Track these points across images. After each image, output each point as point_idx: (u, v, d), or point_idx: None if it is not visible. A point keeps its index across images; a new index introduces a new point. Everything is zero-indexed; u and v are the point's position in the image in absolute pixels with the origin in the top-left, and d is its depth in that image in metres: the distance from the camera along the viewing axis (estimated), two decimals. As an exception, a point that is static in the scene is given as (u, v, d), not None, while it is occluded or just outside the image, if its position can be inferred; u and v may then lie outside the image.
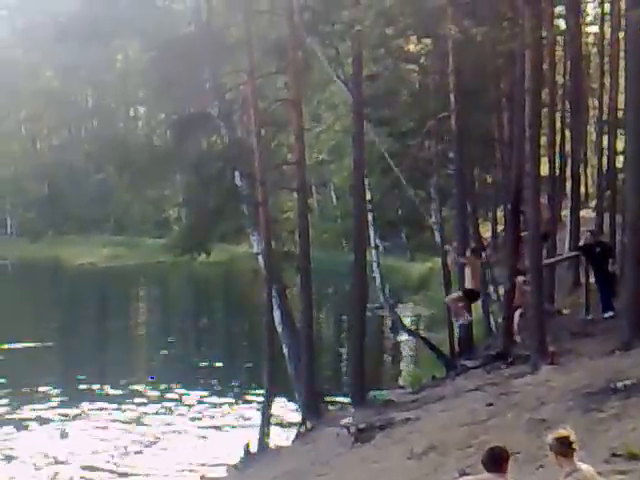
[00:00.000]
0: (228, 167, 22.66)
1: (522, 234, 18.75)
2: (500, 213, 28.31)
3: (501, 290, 23.39)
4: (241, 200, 22.58)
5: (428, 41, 21.81)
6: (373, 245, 27.33)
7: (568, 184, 24.96)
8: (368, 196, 24.65)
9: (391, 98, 27.19)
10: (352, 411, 19.50)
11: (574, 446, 7.62)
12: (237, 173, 22.44)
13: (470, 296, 19.96)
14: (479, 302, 22.98)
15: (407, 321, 32.98)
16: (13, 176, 76.48)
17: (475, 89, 22.58)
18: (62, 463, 20.26)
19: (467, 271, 19.84)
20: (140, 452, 21.13)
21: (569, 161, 26.09)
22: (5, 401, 25.73)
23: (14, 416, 24.30)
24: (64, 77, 77.23)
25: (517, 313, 19.18)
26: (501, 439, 10.84)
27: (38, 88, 76.85)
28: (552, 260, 21.58)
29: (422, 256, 43.79)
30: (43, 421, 23.67)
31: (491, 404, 15.09)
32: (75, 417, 24.24)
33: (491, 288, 24.55)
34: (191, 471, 19.79)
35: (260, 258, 21.56)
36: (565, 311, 21.94)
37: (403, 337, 30.83)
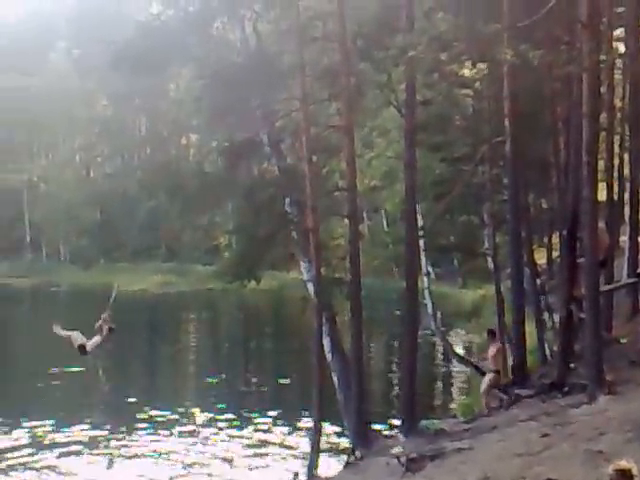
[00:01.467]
0: (279, 194, 22.58)
1: (578, 260, 18.43)
2: (555, 239, 27.87)
3: (556, 317, 23.06)
4: (292, 227, 22.47)
5: (483, 66, 21.54)
6: (425, 271, 27.05)
7: (626, 209, 24.45)
8: (420, 222, 24.42)
9: (444, 123, 26.97)
10: (403, 440, 19.21)
11: None
12: (287, 200, 22.36)
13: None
14: (534, 328, 22.68)
15: (459, 349, 32.62)
16: (67, 204, 77.28)
17: (530, 113, 22.28)
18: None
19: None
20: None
21: (627, 186, 25.61)
22: (55, 426, 25.73)
23: (64, 440, 24.32)
24: (118, 105, 78.24)
25: None
26: (556, 471, 10.58)
27: (92, 116, 77.87)
28: (610, 287, 21.17)
29: (474, 283, 43.37)
30: (92, 446, 23.63)
31: (546, 434, 14.75)
32: (122, 444, 24.16)
33: (546, 315, 24.14)
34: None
35: (310, 285, 21.41)
36: (623, 339, 21.47)
37: (455, 365, 30.47)
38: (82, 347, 18.29)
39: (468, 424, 19.47)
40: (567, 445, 13.70)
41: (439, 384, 31.52)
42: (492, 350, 20.74)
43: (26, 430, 25.33)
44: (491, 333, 21.56)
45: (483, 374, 23.01)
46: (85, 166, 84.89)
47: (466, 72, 24.10)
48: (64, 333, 18.30)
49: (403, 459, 16.39)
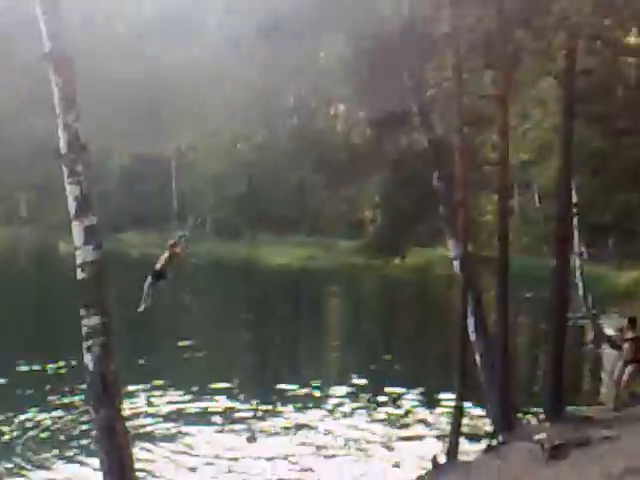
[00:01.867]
0: (427, 167, 21.99)
1: None
2: None
3: None
4: (439, 202, 21.85)
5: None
6: (577, 251, 26.12)
7: None
8: (574, 198, 23.51)
9: (606, 94, 25.78)
10: (547, 426, 18.66)
11: None
12: (436, 173, 21.74)
13: None
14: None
15: (610, 333, 31.44)
16: (214, 174, 78.29)
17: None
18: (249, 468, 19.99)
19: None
20: (325, 457, 20.74)
21: None
22: (192, 397, 25.94)
23: (201, 412, 24.45)
24: (266, 76, 78.68)
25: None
26: None
27: (241, 87, 78.56)
28: None
29: (630, 264, 41.70)
30: (231, 420, 23.57)
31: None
32: (263, 417, 24.08)
33: None
34: (377, 477, 19.31)
35: (456, 262, 20.82)
36: None
37: (606, 350, 29.35)
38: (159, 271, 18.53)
39: (617, 412, 18.89)
40: None
41: (587, 370, 30.47)
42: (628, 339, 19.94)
43: (169, 399, 25.68)
44: (631, 321, 20.62)
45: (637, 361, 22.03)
46: (233, 137, 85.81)
47: (631, 40, 23.02)
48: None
49: (547, 446, 15.98)
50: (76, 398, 24.49)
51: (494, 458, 17.73)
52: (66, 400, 24.86)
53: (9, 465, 19.82)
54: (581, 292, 25.91)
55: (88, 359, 10.95)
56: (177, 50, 76.84)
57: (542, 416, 20.69)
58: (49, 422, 23.16)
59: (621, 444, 15.08)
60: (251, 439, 21.65)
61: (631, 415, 17.83)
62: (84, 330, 10.94)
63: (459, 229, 19.98)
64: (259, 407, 25.03)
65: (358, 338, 38.97)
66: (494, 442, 18.98)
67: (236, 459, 20.41)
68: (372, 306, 50.71)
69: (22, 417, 23.38)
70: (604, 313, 35.39)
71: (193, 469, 19.81)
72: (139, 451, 18.93)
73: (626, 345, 20.22)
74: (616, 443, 15.24)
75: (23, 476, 19.17)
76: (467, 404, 20.54)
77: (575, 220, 24.76)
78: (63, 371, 28.08)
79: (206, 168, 79.05)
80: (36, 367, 29.07)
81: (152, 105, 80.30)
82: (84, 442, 20.82)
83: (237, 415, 24.13)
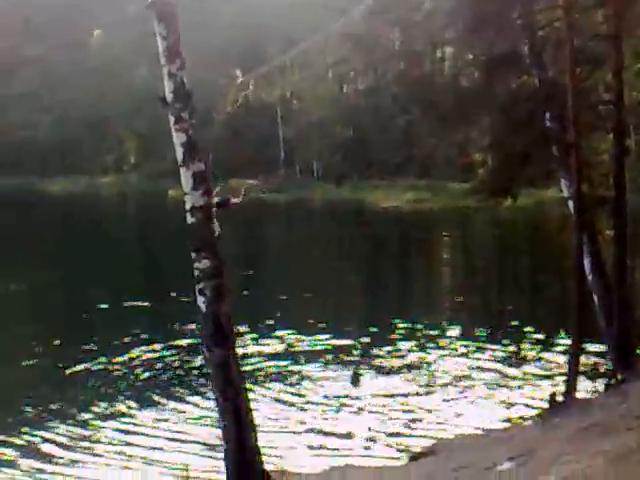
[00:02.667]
0: (538, 108, 21.83)
1: None
2: None
3: None
4: (551, 142, 21.72)
5: None
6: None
7: None
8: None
9: None
10: (668, 365, 18.53)
11: None
12: (548, 114, 21.59)
13: None
14: None
15: None
16: (320, 120, 78.40)
17: None
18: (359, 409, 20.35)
19: None
20: (439, 397, 21.06)
21: None
22: (301, 336, 26.61)
23: (309, 351, 25.09)
24: (371, 19, 78.06)
25: None
26: None
27: (345, 31, 78.14)
28: None
29: None
30: (338, 361, 24.05)
31: None
32: (372, 356, 24.55)
33: None
34: (493, 415, 19.65)
35: (570, 203, 20.73)
36: None
37: None
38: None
39: None
40: None
41: None
42: None
43: (271, 339, 26.35)
44: None
45: None
46: (338, 82, 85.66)
47: None
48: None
49: None
50: (189, 340, 25.21)
51: (615, 396, 17.72)
52: (179, 341, 25.66)
53: (118, 405, 20.49)
54: None
55: (200, 301, 11.18)
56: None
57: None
58: (161, 362, 24.01)
59: None
60: (355, 381, 22.07)
61: None
62: (196, 273, 11.15)
63: (572, 169, 19.86)
64: (368, 346, 25.50)
65: (471, 278, 39.07)
66: (613, 381, 18.96)
67: (344, 397, 20.87)
68: (485, 247, 50.57)
69: (137, 355, 24.41)
70: None
71: (302, 409, 20.26)
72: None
73: None
74: None
75: (132, 416, 19.77)
76: (586, 343, 20.75)
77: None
78: (176, 311, 28.80)
79: (312, 114, 79.18)
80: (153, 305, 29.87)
81: (255, 52, 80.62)
82: (196, 383, 21.59)
83: (344, 355, 24.60)
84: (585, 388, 20.11)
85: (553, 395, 18.98)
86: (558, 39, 20.94)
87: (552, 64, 22.46)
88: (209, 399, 16.43)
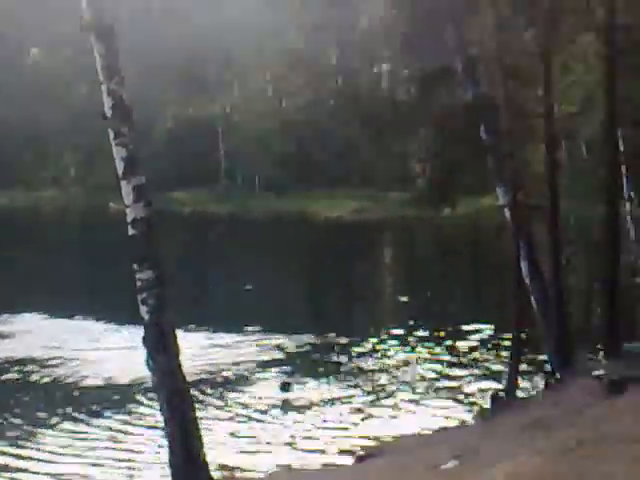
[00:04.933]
0: (473, 121, 22.65)
1: None
2: None
3: None
4: (486, 153, 22.55)
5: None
6: (627, 197, 26.62)
7: None
8: (621, 147, 24.01)
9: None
10: (605, 363, 19.27)
11: None
12: (482, 127, 22.42)
13: None
14: None
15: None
16: (260, 134, 78.76)
17: None
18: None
19: None
20: (380, 399, 21.47)
21: None
22: (244, 341, 27.11)
23: (252, 357, 25.43)
24: (309, 37, 78.83)
25: None
26: None
27: (283, 48, 78.85)
28: None
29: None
30: (280, 366, 24.39)
31: None
32: (312, 361, 25.00)
33: None
34: (436, 415, 20.13)
35: (506, 210, 21.53)
36: None
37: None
38: None
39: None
40: None
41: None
42: None
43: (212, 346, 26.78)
44: None
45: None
46: (277, 97, 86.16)
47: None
48: None
49: (605, 381, 16.49)
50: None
51: (553, 394, 18.40)
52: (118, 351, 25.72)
53: (57, 419, 20.17)
54: (632, 236, 26.47)
55: (143, 311, 11.28)
56: (217, 12, 77.32)
57: (599, 353, 21.21)
58: (97, 373, 23.94)
59: None
60: (299, 385, 22.34)
61: None
62: (138, 284, 11.28)
63: (508, 179, 20.66)
64: (311, 350, 26.08)
65: (412, 284, 39.55)
66: (552, 379, 19.69)
67: (288, 401, 21.23)
68: (426, 254, 51.17)
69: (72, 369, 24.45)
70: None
71: (246, 415, 20.44)
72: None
73: None
74: None
75: (76, 427, 19.53)
76: (526, 344, 21.36)
77: (623, 168, 25.26)
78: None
79: (252, 128, 79.58)
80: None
81: (195, 69, 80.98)
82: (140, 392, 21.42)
83: (287, 359, 25.12)
84: (525, 387, 20.82)
85: (495, 394, 19.71)
86: (490, 56, 21.81)
87: (485, 79, 23.31)
88: (154, 408, 16.38)
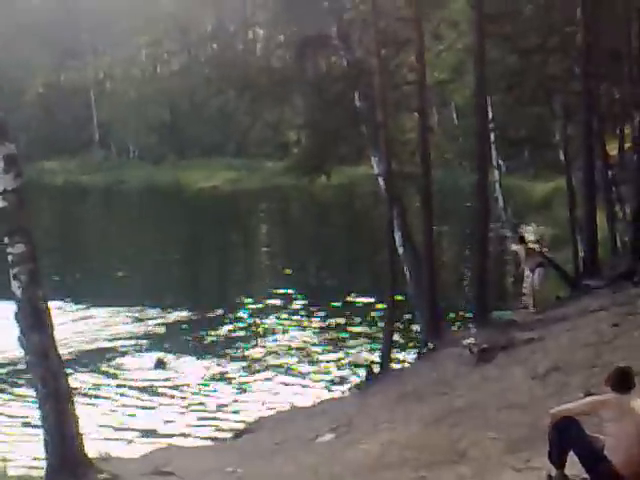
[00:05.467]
0: (348, 88, 22.48)
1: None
2: (628, 130, 27.44)
3: (627, 209, 22.92)
4: (361, 121, 22.43)
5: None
6: (495, 164, 26.93)
7: None
8: (490, 115, 24.20)
9: (514, 13, 26.45)
10: (474, 331, 19.45)
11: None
12: (357, 94, 22.27)
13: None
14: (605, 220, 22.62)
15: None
16: (134, 101, 77.34)
17: (603, 1, 21.85)
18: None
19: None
20: (257, 374, 21.37)
21: None
22: (118, 318, 26.45)
23: (126, 334, 24.89)
24: (183, 1, 77.59)
25: None
26: (627, 359, 10.71)
27: (157, 13, 77.42)
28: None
29: (546, 175, 42.97)
30: (157, 343, 23.90)
31: (617, 324, 14.90)
32: (191, 338, 24.59)
33: (617, 207, 24.00)
34: (313, 389, 20.17)
35: (381, 179, 21.48)
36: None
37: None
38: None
39: (539, 315, 19.67)
40: (638, 334, 13.83)
41: (510, 277, 31.59)
42: (521, 250, 21.19)
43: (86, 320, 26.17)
44: (520, 239, 22.04)
45: (555, 266, 23.03)
46: (151, 63, 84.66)
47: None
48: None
49: (475, 349, 16.64)
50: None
51: (426, 364, 18.47)
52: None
53: None
54: (501, 203, 26.80)
55: (15, 286, 10.89)
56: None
57: (469, 322, 21.51)
58: None
59: (545, 344, 15.58)
60: (159, 364, 21.86)
61: (553, 317, 18.47)
62: (9, 258, 10.85)
63: (381, 147, 20.58)
64: (190, 326, 25.59)
65: (288, 254, 39.53)
66: (425, 349, 19.71)
67: (165, 380, 20.85)
68: (300, 225, 51.19)
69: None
70: (523, 222, 36.61)
71: (123, 394, 20.08)
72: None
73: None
74: (540, 344, 15.75)
75: None
76: (399, 315, 21.40)
77: (492, 135, 25.48)
78: None
79: (125, 95, 78.02)
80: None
81: (67, 33, 78.75)
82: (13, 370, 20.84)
83: (163, 336, 24.63)
84: (400, 358, 20.86)
85: (370, 366, 19.67)
86: (364, 22, 21.63)
87: (359, 46, 23.16)
88: (29, 388, 15.95)
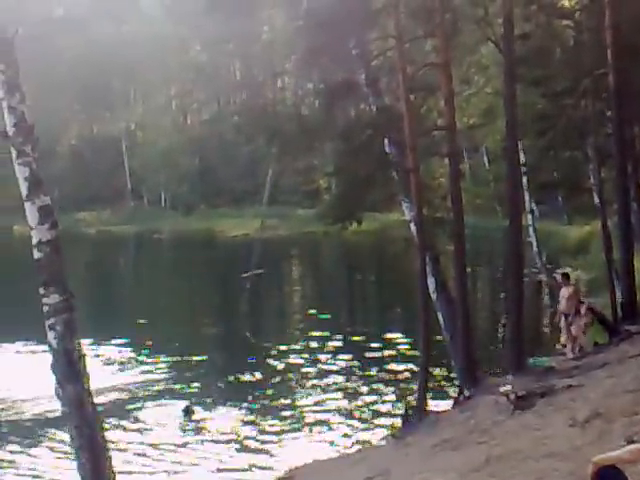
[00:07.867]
0: (377, 134, 22.42)
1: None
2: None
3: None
4: (391, 167, 22.33)
5: (584, -4, 21.15)
6: (528, 209, 26.72)
7: None
8: (522, 159, 24.04)
9: (544, 57, 26.41)
10: (511, 378, 19.18)
11: None
12: (387, 140, 22.20)
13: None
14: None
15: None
16: (165, 151, 78.01)
17: (633, 43, 21.73)
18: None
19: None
20: (292, 422, 21.17)
21: None
22: (152, 367, 26.39)
23: (160, 385, 24.72)
24: (212, 51, 78.36)
25: None
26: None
27: (187, 63, 78.22)
28: None
29: (580, 219, 42.66)
30: (187, 390, 23.86)
31: (658, 370, 14.59)
32: (222, 384, 24.54)
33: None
34: (348, 436, 19.91)
35: (412, 225, 21.33)
36: None
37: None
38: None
39: (578, 361, 19.37)
40: (680, 380, 13.55)
41: (546, 322, 31.21)
42: (565, 292, 20.81)
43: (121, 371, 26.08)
44: (564, 275, 21.59)
45: (593, 312, 22.65)
46: (182, 112, 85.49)
47: (565, 3, 23.62)
48: None
49: (512, 397, 16.37)
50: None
51: (462, 412, 18.19)
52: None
53: None
54: (535, 248, 26.56)
55: (51, 337, 10.93)
56: (118, 26, 76.18)
57: (506, 370, 21.25)
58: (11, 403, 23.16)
59: (584, 391, 15.33)
60: (187, 413, 21.69)
61: (592, 363, 18.21)
62: (45, 309, 10.91)
63: (412, 193, 20.45)
64: (221, 371, 25.62)
65: (320, 299, 39.39)
66: (461, 397, 19.45)
67: (199, 429, 20.74)
68: (332, 272, 51.13)
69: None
70: (558, 267, 36.25)
71: (155, 443, 19.95)
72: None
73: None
74: (579, 390, 15.52)
75: None
76: (434, 363, 21.18)
77: (524, 179, 25.34)
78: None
79: (157, 145, 78.71)
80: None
81: (98, 85, 79.70)
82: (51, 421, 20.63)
83: (193, 383, 24.49)
84: (436, 404, 20.58)
85: (406, 413, 19.43)
86: (392, 68, 21.62)
87: (387, 92, 23.14)
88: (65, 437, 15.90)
